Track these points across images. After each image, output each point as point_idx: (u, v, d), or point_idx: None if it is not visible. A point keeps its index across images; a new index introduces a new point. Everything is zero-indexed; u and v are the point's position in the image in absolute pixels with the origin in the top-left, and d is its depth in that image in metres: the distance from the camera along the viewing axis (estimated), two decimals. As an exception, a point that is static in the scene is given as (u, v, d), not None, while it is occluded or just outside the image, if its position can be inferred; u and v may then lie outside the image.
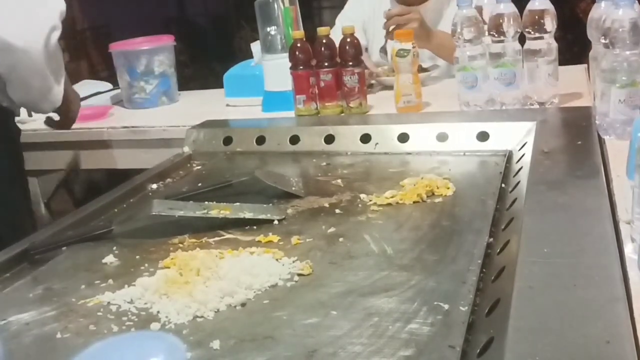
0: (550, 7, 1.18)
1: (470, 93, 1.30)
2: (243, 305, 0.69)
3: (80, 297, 0.75)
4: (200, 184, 1.12)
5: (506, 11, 1.21)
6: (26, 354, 0.65)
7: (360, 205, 0.95)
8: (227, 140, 1.34)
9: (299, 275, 0.74)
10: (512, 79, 1.25)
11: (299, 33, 1.44)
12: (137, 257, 0.85)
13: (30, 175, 1.71)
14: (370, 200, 0.95)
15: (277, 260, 0.78)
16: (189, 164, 1.29)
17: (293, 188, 1.04)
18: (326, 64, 1.40)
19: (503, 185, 0.95)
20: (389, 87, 1.55)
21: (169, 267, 0.79)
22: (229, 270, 0.75)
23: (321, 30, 1.42)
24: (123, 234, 0.92)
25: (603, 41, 0.97)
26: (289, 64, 1.43)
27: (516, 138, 1.10)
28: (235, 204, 0.95)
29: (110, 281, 0.78)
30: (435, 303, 0.64)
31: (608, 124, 1.00)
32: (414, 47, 1.36)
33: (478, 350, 0.54)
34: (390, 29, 1.60)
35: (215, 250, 0.83)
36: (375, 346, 0.58)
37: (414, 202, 0.93)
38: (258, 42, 1.62)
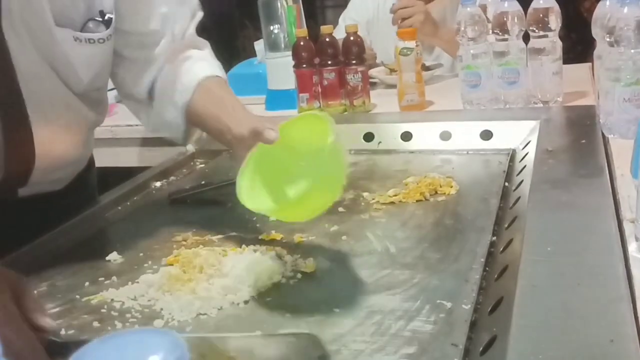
0: (554, 5, 1.18)
1: (473, 92, 1.29)
2: (246, 302, 0.69)
3: (84, 294, 0.75)
4: (203, 182, 1.12)
5: (510, 9, 1.21)
6: (30, 350, 0.65)
7: (363, 203, 0.95)
8: (231, 139, 1.34)
9: (302, 273, 0.74)
10: (516, 78, 1.24)
11: (302, 31, 1.44)
12: (141, 254, 0.85)
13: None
14: (373, 199, 0.95)
15: (280, 258, 0.78)
16: (193, 162, 1.29)
17: (296, 186, 1.04)
18: (329, 62, 1.40)
19: (506, 183, 0.95)
20: (392, 86, 1.55)
21: (172, 265, 0.79)
22: (232, 267, 0.75)
23: (324, 29, 1.42)
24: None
25: (608, 39, 0.97)
26: (292, 63, 1.43)
27: (520, 137, 1.09)
28: None
29: (114, 278, 0.79)
30: (438, 301, 0.64)
31: (612, 122, 1.00)
32: (417, 46, 1.36)
33: (481, 349, 0.54)
34: (399, 22, 1.58)
35: (218, 247, 0.83)
36: (377, 344, 0.58)
37: (417, 201, 0.93)
38: (261, 40, 1.62)
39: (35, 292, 0.78)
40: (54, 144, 0.90)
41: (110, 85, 2.11)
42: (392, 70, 1.68)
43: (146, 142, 1.58)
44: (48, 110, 0.88)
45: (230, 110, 0.89)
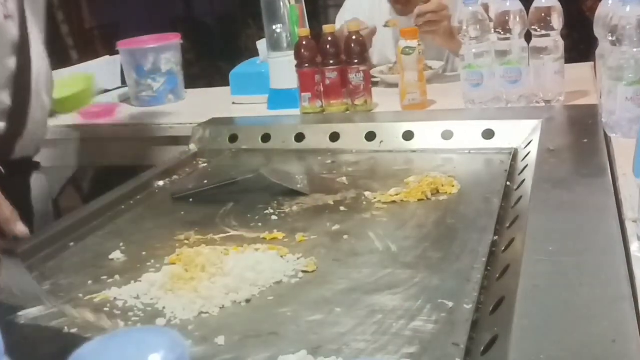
0: (556, 4, 1.18)
1: (475, 91, 1.29)
2: (248, 301, 0.69)
3: (87, 293, 0.76)
4: (206, 181, 1.12)
5: (512, 8, 1.21)
6: (33, 348, 0.66)
7: (364, 203, 0.95)
8: (233, 138, 1.34)
9: (304, 272, 0.75)
10: (518, 77, 1.24)
11: (305, 31, 1.44)
12: (144, 253, 0.86)
13: (39, 172, 1.72)
14: (375, 198, 0.96)
15: (281, 257, 0.78)
16: (195, 161, 1.30)
17: (298, 185, 1.04)
18: (331, 61, 1.40)
19: (508, 183, 0.95)
20: (394, 85, 1.55)
21: (174, 264, 0.80)
22: (234, 266, 0.75)
23: (327, 28, 1.42)
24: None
25: (610, 38, 0.97)
26: (295, 62, 1.43)
27: (522, 136, 1.09)
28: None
29: (117, 277, 0.79)
30: (440, 301, 0.65)
31: (614, 122, 1.00)
32: (419, 45, 1.36)
33: (482, 348, 0.54)
34: (421, 23, 1.54)
35: (220, 246, 0.83)
36: (379, 343, 0.59)
37: (418, 200, 0.93)
38: (264, 40, 1.62)
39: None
40: (42, 95, 1.12)
41: (115, 84, 2.11)
42: (391, 69, 1.68)
43: (148, 141, 1.58)
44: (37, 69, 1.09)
45: None
